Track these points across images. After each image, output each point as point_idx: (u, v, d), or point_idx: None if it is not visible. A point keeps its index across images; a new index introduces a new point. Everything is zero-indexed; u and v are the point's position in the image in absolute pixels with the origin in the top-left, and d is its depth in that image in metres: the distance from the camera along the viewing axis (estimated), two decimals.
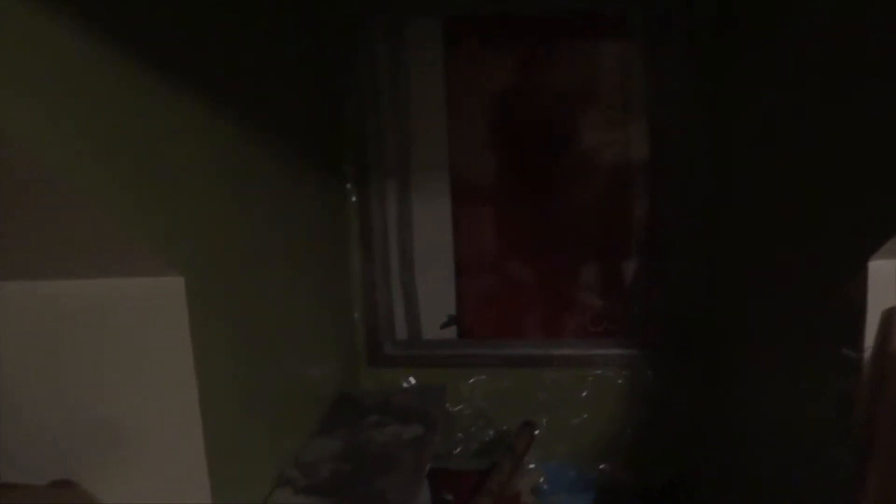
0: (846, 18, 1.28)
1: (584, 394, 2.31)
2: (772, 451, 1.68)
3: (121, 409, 1.30)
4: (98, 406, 1.30)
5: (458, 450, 2.35)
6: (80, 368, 1.29)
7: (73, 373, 1.29)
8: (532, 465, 2.06)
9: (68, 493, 1.31)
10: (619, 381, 2.31)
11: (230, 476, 1.40)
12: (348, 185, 2.27)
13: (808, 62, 1.49)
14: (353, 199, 2.29)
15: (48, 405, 1.31)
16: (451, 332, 2.43)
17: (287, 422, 1.76)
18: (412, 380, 2.33)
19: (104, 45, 1.01)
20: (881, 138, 1.14)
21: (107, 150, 1.03)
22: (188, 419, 1.29)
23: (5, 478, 1.30)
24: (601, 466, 2.33)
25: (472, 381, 2.32)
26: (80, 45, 0.96)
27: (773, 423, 1.67)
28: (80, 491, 1.31)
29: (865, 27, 1.20)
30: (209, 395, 1.30)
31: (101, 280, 1.23)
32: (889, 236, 1.09)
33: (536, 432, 2.19)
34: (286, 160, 1.78)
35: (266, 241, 1.63)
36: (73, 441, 1.32)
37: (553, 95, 2.35)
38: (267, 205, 1.64)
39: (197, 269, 1.25)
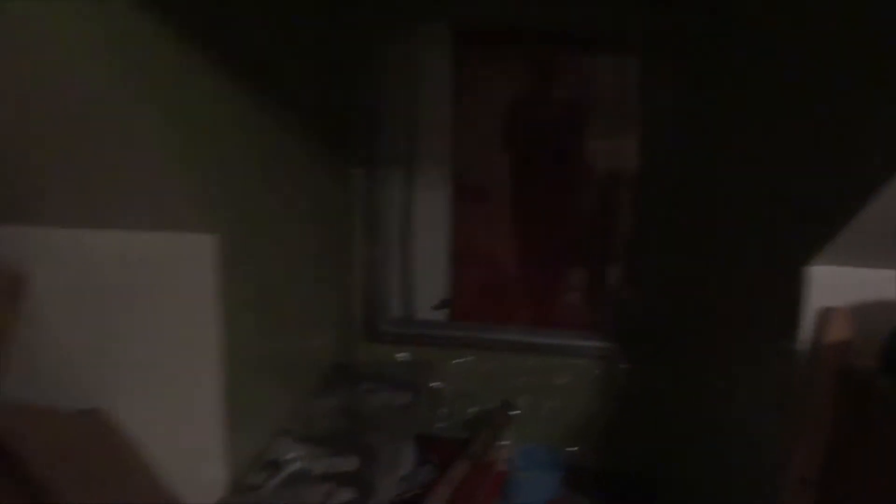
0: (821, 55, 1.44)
1: (561, 381, 2.47)
2: (723, 438, 1.85)
3: (149, 352, 1.46)
4: (128, 348, 1.46)
5: (442, 424, 2.51)
6: (115, 311, 1.45)
7: (109, 315, 1.45)
8: (507, 442, 2.21)
9: (95, 420, 1.47)
10: (596, 371, 2.46)
11: (241, 423, 1.55)
12: (357, 171, 2.39)
13: (772, 101, 1.65)
14: (361, 183, 2.40)
15: (81, 342, 1.48)
16: (443, 314, 2.57)
17: (290, 381, 1.92)
18: (404, 356, 2.47)
19: (173, 36, 1.18)
20: (822, 168, 1.31)
21: (166, 113, 1.19)
22: (209, 368, 1.45)
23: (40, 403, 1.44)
24: (572, 449, 2.50)
25: (459, 361, 2.47)
26: (154, 36, 1.14)
27: (725, 410, 1.84)
28: (105, 419, 1.47)
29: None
30: (229, 348, 1.46)
31: (139, 233, 1.39)
32: (824, 245, 1.26)
33: (517, 412, 2.36)
34: (307, 145, 1.93)
35: (285, 215, 1.78)
36: (104, 375, 1.48)
37: (554, 104, 2.51)
38: (288, 182, 1.79)
39: (228, 230, 1.41)
